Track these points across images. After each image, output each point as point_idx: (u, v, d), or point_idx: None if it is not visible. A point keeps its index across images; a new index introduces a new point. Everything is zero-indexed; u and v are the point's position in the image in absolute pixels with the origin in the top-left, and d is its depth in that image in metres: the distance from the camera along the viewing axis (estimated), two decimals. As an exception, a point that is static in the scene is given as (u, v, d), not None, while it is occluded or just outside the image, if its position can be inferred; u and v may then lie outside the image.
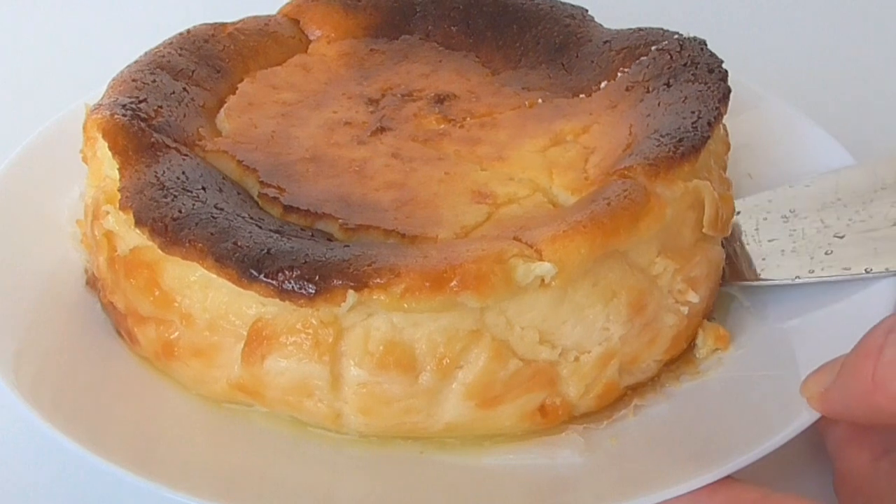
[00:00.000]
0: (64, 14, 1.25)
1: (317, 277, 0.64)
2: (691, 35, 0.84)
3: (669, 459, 0.67)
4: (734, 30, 1.15)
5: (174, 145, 0.75)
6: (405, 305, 0.65)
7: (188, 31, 0.87)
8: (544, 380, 0.69)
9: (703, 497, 0.64)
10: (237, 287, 0.66)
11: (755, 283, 0.79)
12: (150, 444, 0.69)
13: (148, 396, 0.72)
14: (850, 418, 0.65)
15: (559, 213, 0.71)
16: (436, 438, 0.70)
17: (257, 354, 0.68)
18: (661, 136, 0.74)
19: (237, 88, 0.84)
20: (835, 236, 0.80)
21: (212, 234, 0.67)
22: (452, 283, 0.65)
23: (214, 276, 0.67)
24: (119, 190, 0.72)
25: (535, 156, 0.77)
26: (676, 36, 0.84)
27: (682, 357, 0.75)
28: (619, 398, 0.72)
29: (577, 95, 0.83)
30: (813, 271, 0.77)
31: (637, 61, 0.83)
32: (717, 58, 0.81)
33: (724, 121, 0.79)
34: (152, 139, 0.75)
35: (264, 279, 0.65)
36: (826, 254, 0.78)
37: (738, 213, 0.81)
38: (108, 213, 0.74)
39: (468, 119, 0.81)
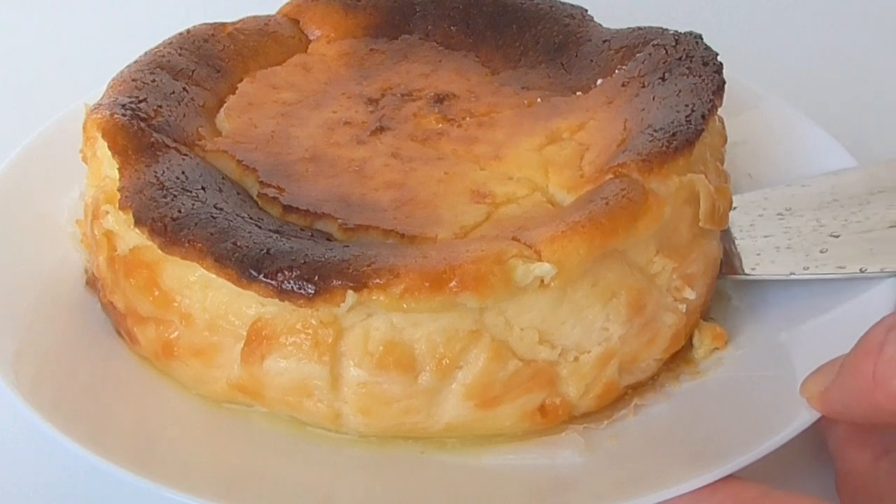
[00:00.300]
0: (64, 14, 1.24)
1: (316, 278, 0.64)
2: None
3: (670, 459, 0.67)
4: (734, 30, 1.14)
5: (174, 145, 0.75)
6: (404, 306, 0.65)
7: (188, 31, 0.87)
8: (544, 380, 0.69)
9: (704, 495, 0.64)
10: (237, 287, 0.66)
11: (749, 277, 0.78)
12: (150, 444, 0.69)
13: (148, 396, 0.72)
14: (850, 418, 0.65)
15: (558, 213, 0.71)
16: (436, 438, 0.70)
17: (257, 354, 0.68)
18: (655, 130, 0.73)
19: (237, 88, 0.84)
20: (830, 235, 0.80)
21: (211, 234, 0.67)
22: (452, 284, 0.64)
23: (214, 276, 0.67)
24: (119, 190, 0.72)
25: (532, 154, 0.77)
26: (673, 33, 0.84)
27: (681, 357, 0.75)
28: (619, 398, 0.72)
29: (575, 93, 0.83)
30: (807, 268, 0.77)
31: (634, 58, 0.83)
32: (711, 51, 0.81)
33: (720, 114, 0.78)
34: (152, 139, 0.75)
35: (264, 279, 0.65)
36: (821, 252, 0.78)
37: (735, 208, 0.81)
38: (107, 212, 0.74)
39: (467, 119, 0.81)
